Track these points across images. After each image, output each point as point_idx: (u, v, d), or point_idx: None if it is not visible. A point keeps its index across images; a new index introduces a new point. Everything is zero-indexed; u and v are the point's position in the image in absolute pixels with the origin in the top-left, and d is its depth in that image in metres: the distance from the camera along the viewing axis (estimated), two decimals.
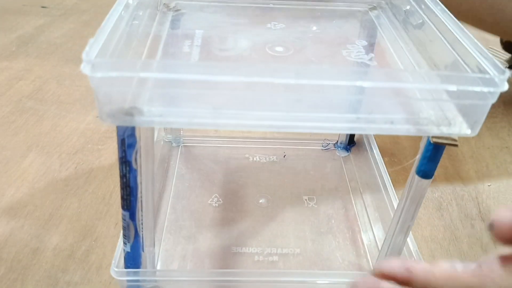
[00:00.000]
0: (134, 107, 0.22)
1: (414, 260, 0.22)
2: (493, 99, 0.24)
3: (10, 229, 0.43)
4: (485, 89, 0.24)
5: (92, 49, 0.22)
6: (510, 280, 0.20)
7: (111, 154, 0.53)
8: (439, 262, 0.22)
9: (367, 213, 0.46)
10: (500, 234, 0.21)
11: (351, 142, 0.55)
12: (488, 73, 0.25)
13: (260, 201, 0.47)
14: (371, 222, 0.45)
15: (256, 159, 0.53)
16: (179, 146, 0.54)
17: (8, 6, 0.90)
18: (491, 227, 0.21)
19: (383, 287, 0.22)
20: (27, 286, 0.38)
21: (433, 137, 0.27)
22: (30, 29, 0.82)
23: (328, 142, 0.56)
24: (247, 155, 0.53)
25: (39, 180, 0.49)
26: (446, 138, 0.26)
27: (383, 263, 0.22)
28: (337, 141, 0.56)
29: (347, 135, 0.54)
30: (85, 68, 0.21)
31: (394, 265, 0.22)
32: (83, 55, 0.21)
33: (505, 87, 0.23)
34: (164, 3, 0.39)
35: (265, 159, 0.53)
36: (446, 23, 0.30)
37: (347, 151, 0.55)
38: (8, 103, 0.61)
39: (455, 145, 0.26)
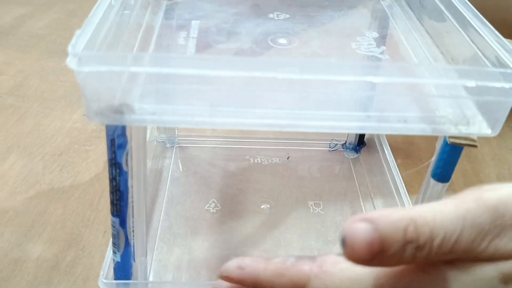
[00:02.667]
0: (124, 104, 0.22)
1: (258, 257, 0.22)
2: None
3: None
4: (507, 85, 0.24)
5: (78, 41, 0.22)
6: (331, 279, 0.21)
7: (99, 155, 0.53)
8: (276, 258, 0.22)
9: None
10: (352, 253, 0.18)
11: (360, 143, 0.55)
12: (510, 68, 0.25)
13: (262, 206, 0.47)
14: None
15: (257, 161, 0.53)
16: (173, 146, 0.54)
17: None
18: (342, 242, 0.18)
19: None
20: None
21: (450, 137, 0.27)
22: (10, 20, 0.82)
23: (335, 142, 0.56)
24: (247, 157, 0.53)
25: (21, 184, 0.49)
26: (465, 139, 0.26)
27: (222, 267, 0.23)
28: (346, 141, 0.56)
29: (356, 135, 0.54)
30: (71, 62, 0.21)
31: (229, 265, 0.23)
32: (69, 48, 0.21)
33: None
34: None
35: (267, 161, 0.53)
36: (464, 13, 0.30)
37: (357, 152, 0.55)
38: None
39: (475, 146, 0.26)
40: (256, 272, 0.22)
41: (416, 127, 0.25)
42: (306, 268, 0.21)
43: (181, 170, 0.51)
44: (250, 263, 0.22)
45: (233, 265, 0.22)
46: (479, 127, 0.25)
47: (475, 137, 0.26)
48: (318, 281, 0.21)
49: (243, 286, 0.22)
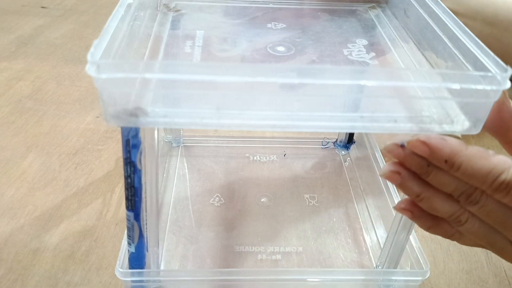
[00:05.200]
0: (139, 108, 0.22)
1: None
2: (496, 97, 0.24)
3: (10, 230, 0.43)
4: (487, 87, 0.24)
5: (96, 50, 0.22)
6: None
7: (111, 154, 0.53)
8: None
9: (368, 211, 0.46)
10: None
11: (350, 141, 0.55)
12: (490, 71, 0.25)
13: (262, 200, 0.47)
14: (372, 220, 0.45)
15: (257, 158, 0.53)
16: (179, 146, 0.54)
17: (7, 7, 0.89)
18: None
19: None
20: (27, 287, 0.38)
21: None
22: (30, 30, 0.81)
23: (327, 140, 0.56)
24: (247, 155, 0.53)
25: (39, 181, 0.49)
26: (450, 134, 0.26)
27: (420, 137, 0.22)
28: (337, 139, 0.56)
29: (346, 133, 0.54)
30: (90, 69, 0.21)
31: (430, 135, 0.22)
32: (88, 56, 0.21)
33: (508, 85, 0.23)
34: (164, 4, 0.38)
35: (265, 158, 0.53)
36: (446, 22, 0.30)
37: (347, 149, 0.55)
38: (7, 103, 0.61)
39: None
40: (458, 147, 0.22)
41: (404, 126, 0.25)
42: (507, 158, 0.22)
43: (186, 167, 0.51)
44: (452, 139, 0.22)
45: (435, 135, 0.22)
46: (462, 125, 0.25)
47: (459, 134, 0.26)
48: None
49: (437, 155, 0.22)
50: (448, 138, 0.22)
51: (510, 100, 0.25)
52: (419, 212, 0.25)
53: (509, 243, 0.24)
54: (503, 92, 0.23)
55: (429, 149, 0.22)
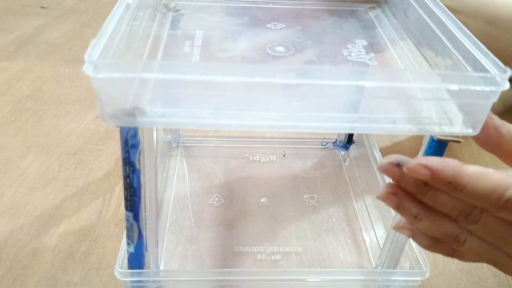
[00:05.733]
0: (137, 107, 0.22)
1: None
2: (495, 98, 0.24)
3: (10, 230, 0.43)
4: (487, 88, 0.23)
5: (94, 50, 0.22)
6: None
7: (110, 154, 0.53)
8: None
9: (367, 211, 0.46)
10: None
11: (350, 141, 0.55)
12: (489, 72, 0.24)
13: (261, 200, 0.47)
14: (372, 220, 0.45)
15: (256, 158, 0.53)
16: (178, 146, 0.54)
17: (7, 7, 0.89)
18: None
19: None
20: (26, 287, 0.38)
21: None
22: (30, 30, 0.81)
23: (327, 141, 0.56)
24: (247, 155, 0.53)
25: (39, 181, 0.49)
26: (449, 135, 0.26)
27: (421, 160, 0.22)
28: (336, 140, 0.56)
29: (346, 134, 0.54)
30: (87, 69, 0.21)
31: (432, 158, 0.22)
32: (85, 56, 0.21)
33: (507, 86, 0.23)
34: (164, 4, 0.38)
35: (265, 158, 0.53)
36: (446, 22, 0.30)
37: (346, 149, 0.55)
38: (7, 103, 0.61)
39: (459, 142, 0.26)
40: (458, 168, 0.21)
41: (403, 128, 0.25)
42: (509, 174, 0.21)
43: (186, 167, 0.51)
44: (453, 160, 0.22)
45: (436, 158, 0.22)
46: (461, 127, 0.25)
47: (458, 135, 0.26)
48: None
49: (440, 178, 0.21)
50: (448, 160, 0.22)
51: (493, 116, 0.25)
52: (418, 231, 0.25)
53: (510, 258, 0.24)
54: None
55: (431, 173, 0.21)
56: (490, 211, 0.22)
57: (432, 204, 0.23)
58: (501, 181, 0.21)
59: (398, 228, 0.26)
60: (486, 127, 0.25)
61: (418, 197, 0.23)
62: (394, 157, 0.23)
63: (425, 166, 0.21)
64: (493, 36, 0.52)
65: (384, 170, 0.23)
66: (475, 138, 0.25)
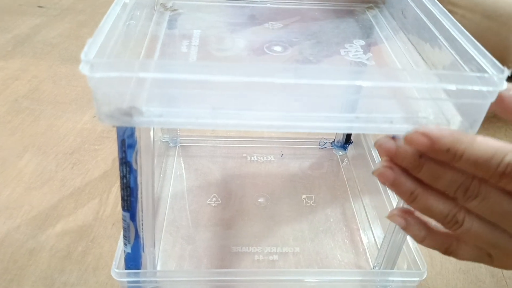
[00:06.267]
0: (133, 107, 0.22)
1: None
2: (492, 98, 0.24)
3: (6, 230, 0.42)
4: (484, 88, 0.24)
5: (90, 49, 0.22)
6: None
7: (107, 154, 0.53)
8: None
9: (365, 211, 0.46)
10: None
11: (348, 141, 0.55)
12: (487, 72, 0.24)
13: (259, 200, 0.47)
14: (369, 220, 0.45)
15: (254, 158, 0.53)
16: (176, 146, 0.54)
17: (4, 6, 0.89)
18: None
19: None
20: (23, 287, 0.37)
21: None
22: (26, 29, 0.81)
23: (325, 141, 0.56)
24: (244, 155, 0.53)
25: (36, 180, 0.48)
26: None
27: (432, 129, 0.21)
28: (334, 140, 0.56)
29: (344, 134, 0.54)
30: (83, 68, 0.21)
31: (439, 128, 0.21)
32: (82, 55, 0.21)
33: (504, 86, 0.23)
34: (161, 3, 0.38)
35: (263, 158, 0.53)
36: (444, 22, 0.30)
37: (344, 149, 0.55)
38: (4, 103, 0.61)
39: None
40: (457, 134, 0.21)
41: (401, 127, 0.25)
42: (507, 143, 0.21)
43: (183, 167, 0.51)
44: (449, 129, 0.21)
45: (434, 126, 0.21)
46: (459, 127, 0.25)
47: None
48: None
49: (439, 144, 0.21)
50: (445, 128, 0.21)
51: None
52: (412, 220, 0.24)
53: None
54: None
55: (429, 140, 0.21)
56: (490, 181, 0.21)
57: (428, 180, 0.22)
58: (500, 147, 0.21)
59: (391, 216, 0.25)
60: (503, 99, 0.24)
61: (414, 173, 0.23)
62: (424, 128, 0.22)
63: (424, 134, 0.21)
64: (491, 30, 0.52)
65: (380, 144, 0.23)
66: (494, 106, 0.24)
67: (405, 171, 0.23)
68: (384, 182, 0.23)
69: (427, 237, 0.24)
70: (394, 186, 0.23)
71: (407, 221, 0.25)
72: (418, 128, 0.21)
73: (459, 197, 0.22)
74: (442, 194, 0.23)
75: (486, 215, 0.22)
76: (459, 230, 0.23)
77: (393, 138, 0.22)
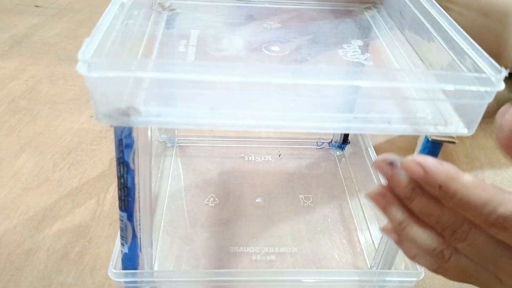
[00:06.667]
0: (131, 107, 0.22)
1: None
2: (490, 99, 0.24)
3: (3, 230, 0.42)
4: (482, 89, 0.24)
5: (88, 49, 0.21)
6: None
7: (105, 154, 0.53)
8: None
9: (363, 211, 0.46)
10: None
11: (345, 141, 0.55)
12: (485, 73, 0.24)
13: (257, 200, 0.47)
14: (367, 220, 0.45)
15: (252, 158, 0.53)
16: (173, 146, 0.54)
17: (1, 5, 0.89)
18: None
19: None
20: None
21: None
22: (24, 29, 0.81)
23: (323, 141, 0.56)
24: (242, 155, 0.53)
25: (32, 181, 0.48)
26: (444, 136, 0.26)
27: (414, 159, 0.20)
28: (332, 140, 0.56)
29: (341, 134, 0.54)
30: (81, 68, 0.20)
31: (426, 158, 0.20)
32: (79, 55, 0.21)
33: (502, 86, 0.23)
34: (159, 3, 0.38)
35: (261, 158, 0.53)
36: (442, 23, 0.30)
37: (342, 150, 0.55)
38: (0, 103, 0.60)
39: (453, 142, 0.26)
40: (453, 172, 0.20)
41: (398, 128, 0.25)
42: (505, 191, 0.20)
43: (181, 167, 0.51)
44: (449, 165, 0.20)
45: (432, 159, 0.20)
46: (456, 127, 0.25)
47: (453, 135, 0.26)
48: None
49: (432, 179, 0.20)
50: (445, 163, 0.20)
51: None
52: (405, 237, 0.24)
53: (498, 281, 0.22)
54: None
55: (424, 172, 0.20)
56: (480, 227, 0.21)
57: (418, 212, 0.22)
58: (494, 195, 0.20)
59: (385, 230, 0.25)
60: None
61: (406, 202, 0.22)
62: (389, 156, 0.22)
63: (419, 164, 0.20)
64: (487, 27, 0.53)
65: (377, 166, 0.22)
66: (501, 145, 0.22)
67: (400, 199, 0.23)
68: (376, 205, 0.23)
69: (417, 256, 0.24)
70: (385, 212, 0.23)
71: (400, 238, 0.24)
72: (416, 157, 0.21)
73: (447, 236, 0.22)
74: (432, 228, 0.22)
75: (473, 258, 0.22)
76: (445, 264, 0.23)
77: (391, 163, 0.22)
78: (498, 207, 0.19)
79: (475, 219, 0.20)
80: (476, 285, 0.23)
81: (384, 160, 0.22)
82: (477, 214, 0.20)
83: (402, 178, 0.21)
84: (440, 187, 0.20)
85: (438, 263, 0.24)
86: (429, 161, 0.20)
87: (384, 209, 0.23)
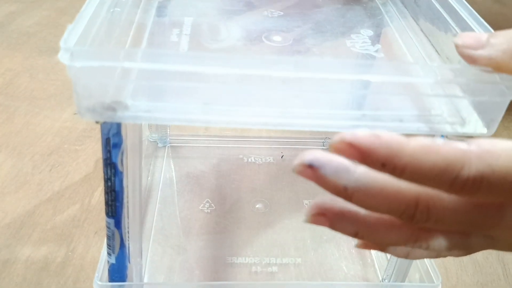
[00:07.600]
0: (117, 101, 0.22)
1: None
2: (511, 96, 0.24)
3: None
4: (503, 85, 0.24)
5: (70, 36, 0.22)
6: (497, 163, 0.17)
7: (89, 155, 0.53)
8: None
9: None
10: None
11: None
12: None
13: (257, 206, 0.47)
14: None
15: (251, 160, 0.53)
16: (165, 146, 0.54)
17: None
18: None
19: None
20: None
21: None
22: (0, 17, 0.81)
23: (329, 140, 0.56)
24: (241, 156, 0.53)
25: (9, 184, 0.49)
26: (461, 136, 0.26)
27: (345, 134, 0.18)
28: None
29: None
30: (62, 57, 0.21)
31: (359, 132, 0.18)
32: (61, 43, 0.21)
33: None
34: None
35: (261, 160, 0.53)
36: (460, 12, 0.30)
37: None
38: None
39: None
40: (398, 145, 0.17)
41: (411, 126, 0.25)
42: (463, 147, 0.17)
43: (173, 170, 0.51)
44: (389, 134, 0.17)
45: (365, 133, 0.17)
46: (475, 126, 0.25)
47: (471, 135, 0.26)
48: (480, 163, 0.17)
49: (371, 158, 0.17)
50: (383, 134, 0.17)
51: None
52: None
53: (488, 239, 0.21)
54: None
55: (358, 153, 0.17)
56: (448, 192, 0.19)
57: (364, 207, 0.20)
58: (453, 157, 0.17)
59: (360, 246, 0.24)
60: None
61: (345, 200, 0.19)
62: (307, 156, 0.19)
63: (350, 144, 0.17)
64: (502, 15, 0.53)
65: (298, 173, 0.20)
66: None
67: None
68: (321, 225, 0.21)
69: (410, 253, 0.23)
70: (334, 229, 0.21)
71: (365, 245, 0.24)
72: (344, 135, 0.18)
73: (408, 224, 0.20)
74: (390, 220, 0.20)
75: (449, 229, 0.21)
76: (432, 253, 0.22)
77: (310, 166, 0.19)
78: (460, 171, 0.17)
79: (440, 188, 0.18)
80: (465, 255, 0.22)
81: (301, 163, 0.19)
82: (438, 183, 0.18)
83: (331, 177, 0.19)
84: (383, 165, 0.17)
85: (417, 253, 0.22)
86: (361, 137, 0.17)
87: (331, 227, 0.21)
